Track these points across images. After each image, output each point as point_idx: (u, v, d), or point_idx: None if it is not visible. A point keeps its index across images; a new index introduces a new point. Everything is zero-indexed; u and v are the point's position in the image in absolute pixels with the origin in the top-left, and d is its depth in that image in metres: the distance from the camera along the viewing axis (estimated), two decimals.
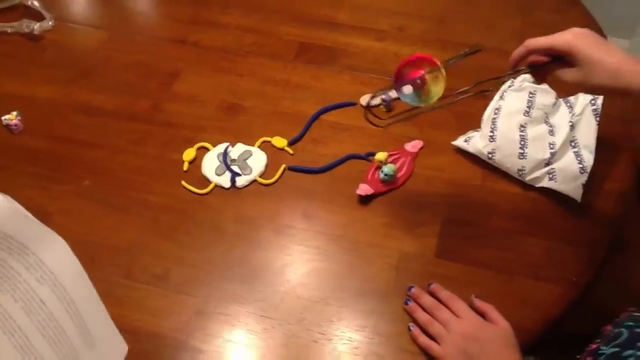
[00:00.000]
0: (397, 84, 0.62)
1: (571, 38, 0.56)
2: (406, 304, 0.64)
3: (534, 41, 0.58)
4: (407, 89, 0.61)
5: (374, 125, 0.66)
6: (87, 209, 0.74)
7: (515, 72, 0.61)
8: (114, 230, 0.71)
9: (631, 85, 0.54)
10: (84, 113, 0.85)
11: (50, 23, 0.95)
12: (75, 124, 0.83)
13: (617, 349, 0.52)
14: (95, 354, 0.50)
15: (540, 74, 0.60)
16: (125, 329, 0.62)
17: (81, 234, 0.71)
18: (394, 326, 0.63)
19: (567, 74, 0.56)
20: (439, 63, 0.60)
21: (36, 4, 0.95)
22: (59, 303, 0.44)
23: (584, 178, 0.71)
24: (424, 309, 0.63)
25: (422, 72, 0.60)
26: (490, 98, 0.78)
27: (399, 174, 0.75)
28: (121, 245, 0.70)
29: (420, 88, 0.61)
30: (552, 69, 0.58)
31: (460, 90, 0.63)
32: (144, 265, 0.68)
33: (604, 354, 0.54)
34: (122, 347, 0.56)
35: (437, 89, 0.61)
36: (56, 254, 0.45)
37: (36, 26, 0.94)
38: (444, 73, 0.60)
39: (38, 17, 0.96)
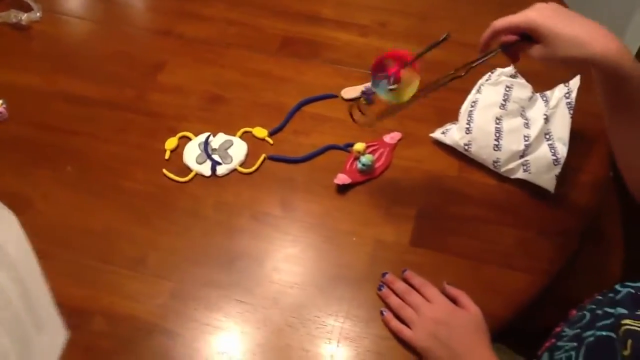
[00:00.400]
0: (374, 80, 0.63)
1: (534, 14, 0.56)
2: (380, 289, 0.65)
3: (500, 21, 0.59)
4: (383, 86, 0.63)
5: (354, 121, 0.68)
6: (68, 194, 0.75)
7: (486, 55, 0.62)
8: (93, 215, 0.72)
9: (595, 55, 0.54)
10: (69, 102, 0.86)
11: (38, 14, 0.96)
12: (60, 112, 0.84)
13: (578, 330, 0.53)
14: (42, 339, 0.51)
15: (512, 53, 0.60)
16: (100, 312, 0.63)
17: (61, 218, 0.72)
18: (367, 311, 0.64)
19: (535, 50, 0.57)
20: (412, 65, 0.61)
21: None
22: (12, 284, 0.45)
23: (557, 169, 0.72)
24: (397, 295, 0.64)
25: (397, 69, 0.62)
26: (468, 92, 0.80)
27: (377, 164, 0.76)
28: (99, 229, 0.71)
29: (396, 83, 0.62)
30: (521, 47, 0.59)
31: (437, 80, 0.64)
32: (121, 249, 0.69)
33: (566, 335, 0.55)
34: (63, 334, 0.56)
35: (411, 87, 0.62)
36: (8, 232, 0.46)
37: (24, 17, 0.95)
38: (418, 77, 0.61)
39: (26, 8, 0.97)
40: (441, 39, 0.62)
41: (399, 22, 0.97)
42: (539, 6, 0.57)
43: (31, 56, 0.93)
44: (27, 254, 0.49)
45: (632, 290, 0.55)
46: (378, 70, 0.63)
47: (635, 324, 0.49)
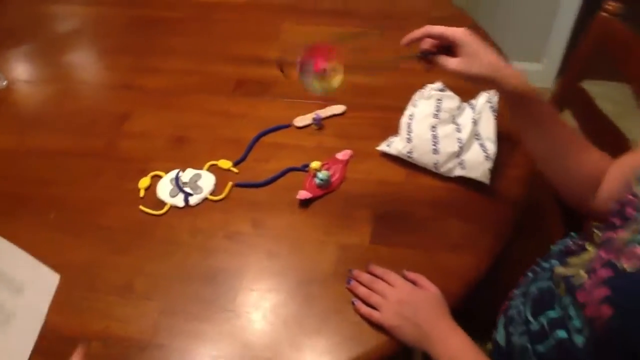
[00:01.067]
0: (301, 73, 0.72)
1: (462, 32, 0.67)
2: (348, 283, 0.73)
3: (434, 27, 0.68)
4: (309, 79, 0.71)
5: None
6: (53, 236, 0.81)
7: (408, 57, 0.71)
8: (77, 251, 0.79)
9: (503, 80, 0.65)
10: (42, 156, 0.93)
11: (4, 83, 1.03)
12: (35, 166, 0.91)
13: (524, 289, 0.63)
14: (25, 296, 0.57)
15: (428, 60, 0.70)
16: (95, 337, 0.69)
17: (48, 257, 0.77)
18: (339, 304, 0.71)
19: (451, 63, 0.67)
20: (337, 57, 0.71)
21: None
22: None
23: (489, 164, 0.83)
24: (364, 285, 0.72)
25: (325, 64, 0.71)
26: (404, 108, 0.90)
27: (333, 179, 0.85)
28: (85, 263, 0.77)
29: (319, 74, 0.71)
30: (438, 57, 0.69)
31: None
32: (107, 278, 0.75)
33: (516, 295, 0.64)
34: (53, 277, 0.62)
35: (337, 80, 0.71)
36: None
37: None
38: (342, 67, 0.70)
39: None
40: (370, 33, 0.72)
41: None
42: (465, 29, 0.68)
43: (1, 119, 1.00)
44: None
45: (561, 247, 0.65)
46: (304, 66, 0.72)
47: (565, 270, 0.59)
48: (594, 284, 0.51)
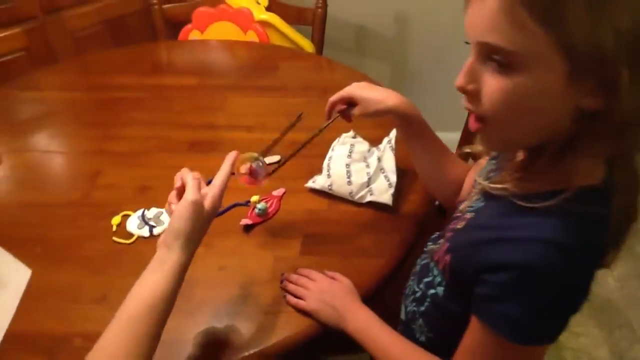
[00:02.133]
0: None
1: (351, 89, 0.92)
2: (281, 282, 0.92)
3: (333, 97, 0.94)
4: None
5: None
6: (37, 266, 0.98)
7: (331, 121, 0.96)
8: (59, 276, 0.96)
9: (393, 109, 0.90)
10: (28, 207, 1.11)
11: None
12: (21, 216, 1.09)
13: (414, 269, 0.84)
14: (8, 291, 0.74)
15: (346, 116, 0.95)
16: (77, 335, 0.86)
17: (34, 280, 0.94)
18: (275, 299, 0.90)
19: (356, 110, 0.92)
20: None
21: None
22: None
23: (392, 190, 1.05)
24: (292, 283, 0.92)
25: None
26: (325, 153, 1.14)
27: (270, 210, 1.06)
28: (66, 285, 0.94)
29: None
30: (349, 110, 0.94)
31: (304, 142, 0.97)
32: (86, 292, 0.92)
33: (411, 277, 0.85)
34: (26, 272, 0.78)
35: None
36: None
37: None
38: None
39: None
40: (297, 120, 0.96)
41: (274, 120, 1.31)
42: (355, 83, 0.93)
43: None
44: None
45: (437, 233, 0.87)
46: None
47: (434, 246, 0.80)
48: (443, 244, 0.73)
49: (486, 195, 0.71)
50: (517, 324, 0.61)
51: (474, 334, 0.67)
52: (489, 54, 0.58)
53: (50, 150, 1.28)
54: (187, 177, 0.82)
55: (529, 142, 0.63)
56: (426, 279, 0.80)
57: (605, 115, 0.56)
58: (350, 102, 0.93)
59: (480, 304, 0.65)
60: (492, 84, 0.58)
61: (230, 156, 0.87)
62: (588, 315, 1.88)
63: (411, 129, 0.93)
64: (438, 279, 0.76)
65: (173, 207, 0.78)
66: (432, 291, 0.78)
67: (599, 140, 0.58)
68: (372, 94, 0.91)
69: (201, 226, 0.79)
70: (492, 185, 0.66)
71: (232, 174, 0.87)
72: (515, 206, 0.62)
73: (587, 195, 0.60)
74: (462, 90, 0.62)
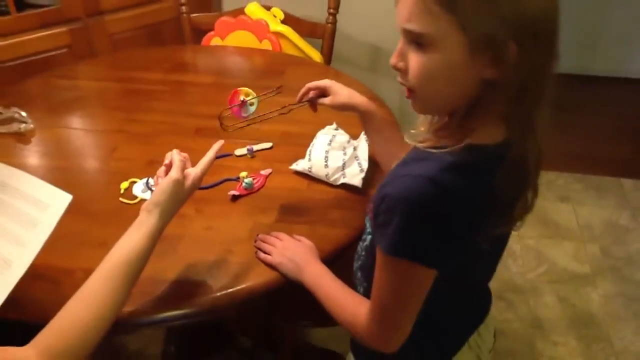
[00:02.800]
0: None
1: (327, 81, 1.09)
2: (255, 241, 1.08)
3: (312, 83, 1.10)
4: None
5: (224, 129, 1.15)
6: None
7: (300, 105, 1.12)
8: (73, 224, 1.13)
9: (358, 105, 1.06)
10: (56, 171, 1.30)
11: (31, 125, 1.43)
12: (45, 177, 1.28)
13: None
14: (50, 211, 0.92)
15: (313, 105, 1.11)
16: (79, 269, 1.02)
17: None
18: (250, 255, 1.06)
19: (325, 100, 1.08)
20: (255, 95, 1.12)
21: (23, 114, 1.43)
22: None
23: (363, 175, 1.20)
24: (263, 242, 1.07)
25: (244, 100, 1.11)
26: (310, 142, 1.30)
27: (256, 185, 1.22)
28: (78, 230, 1.12)
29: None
30: (319, 100, 1.10)
31: (274, 110, 1.13)
32: (93, 239, 1.10)
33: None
34: (67, 197, 0.96)
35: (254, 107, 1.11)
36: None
37: (22, 127, 1.41)
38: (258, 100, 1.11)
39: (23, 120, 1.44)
40: (276, 89, 1.13)
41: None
42: (329, 79, 1.10)
43: (33, 148, 1.38)
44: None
45: None
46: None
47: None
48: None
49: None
50: (389, 239, 0.75)
51: (377, 261, 0.81)
52: (410, 38, 0.73)
53: (77, 127, 1.48)
54: (176, 157, 1.00)
55: (446, 107, 0.77)
56: (363, 236, 0.95)
57: (501, 83, 0.70)
58: (323, 93, 1.10)
59: (376, 232, 0.80)
60: (414, 61, 0.74)
61: (217, 144, 1.06)
62: (569, 327, 1.97)
63: (371, 125, 1.10)
64: (368, 230, 0.90)
65: (159, 180, 0.96)
66: (365, 243, 0.92)
67: (496, 105, 0.72)
68: (343, 90, 1.09)
69: (179, 200, 0.95)
70: (413, 143, 0.81)
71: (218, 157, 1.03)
72: (418, 157, 0.77)
73: (478, 151, 0.74)
74: (395, 67, 0.77)
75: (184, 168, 0.98)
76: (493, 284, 0.94)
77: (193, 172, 0.99)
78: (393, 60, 0.77)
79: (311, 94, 1.11)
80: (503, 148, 0.75)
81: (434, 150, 0.76)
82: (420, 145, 0.79)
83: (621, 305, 2.05)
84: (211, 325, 1.73)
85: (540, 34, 0.69)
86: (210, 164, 1.03)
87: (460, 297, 0.91)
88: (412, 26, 0.72)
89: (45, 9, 1.96)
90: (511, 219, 0.81)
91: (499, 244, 0.91)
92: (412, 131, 0.85)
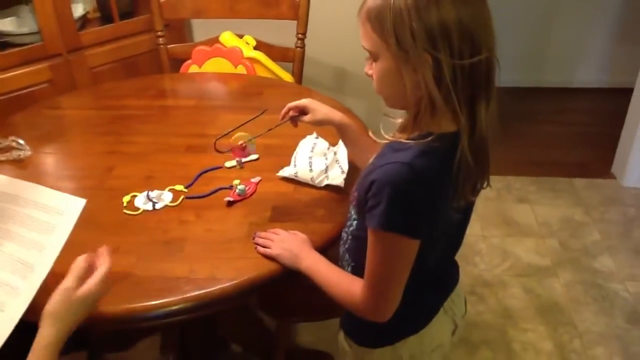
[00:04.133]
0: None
1: (306, 101, 1.24)
2: (253, 238, 1.20)
3: (292, 103, 1.25)
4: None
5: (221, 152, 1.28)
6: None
7: (283, 122, 1.26)
8: (84, 234, 1.24)
9: (335, 120, 1.21)
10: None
11: (28, 153, 1.53)
12: None
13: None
14: (65, 216, 1.03)
15: (294, 121, 1.26)
16: None
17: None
18: (249, 249, 1.18)
19: (306, 118, 1.23)
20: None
21: (21, 142, 1.53)
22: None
23: (344, 176, 1.34)
24: (262, 237, 1.20)
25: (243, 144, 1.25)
26: (293, 150, 1.44)
27: (248, 191, 1.35)
28: (89, 239, 1.22)
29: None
30: (299, 117, 1.24)
31: (261, 133, 1.27)
32: (110, 246, 1.21)
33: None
34: (81, 201, 1.06)
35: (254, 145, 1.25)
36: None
37: (21, 154, 1.51)
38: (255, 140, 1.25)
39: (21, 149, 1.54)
40: (261, 112, 1.27)
41: (254, 131, 1.62)
42: (308, 99, 1.24)
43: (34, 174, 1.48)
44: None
45: None
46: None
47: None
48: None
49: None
50: (379, 217, 0.89)
51: (368, 241, 0.95)
52: (368, 53, 0.93)
53: (73, 152, 1.58)
54: (76, 265, 0.99)
55: (400, 103, 0.94)
56: (348, 223, 1.09)
57: (428, 85, 0.86)
58: (303, 111, 1.24)
59: (367, 215, 0.94)
60: (372, 70, 0.94)
61: (106, 251, 1.05)
62: (536, 314, 2.13)
63: (347, 136, 1.26)
64: (353, 216, 1.04)
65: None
66: (351, 228, 1.06)
67: (435, 101, 0.87)
68: (321, 107, 1.24)
69: (72, 308, 0.94)
70: (386, 137, 0.96)
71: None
72: (393, 148, 0.92)
73: (439, 139, 0.90)
74: (367, 74, 0.95)
75: (80, 275, 0.98)
76: (464, 281, 1.09)
77: (89, 281, 0.99)
78: (365, 69, 0.97)
79: (291, 112, 1.26)
80: (457, 135, 0.90)
81: (407, 142, 0.91)
82: (394, 139, 0.95)
83: (581, 291, 2.22)
84: (204, 333, 1.83)
85: (454, 40, 0.85)
86: (108, 272, 1.01)
87: (435, 266, 1.05)
88: (364, 44, 0.93)
89: (28, 46, 2.07)
90: (469, 193, 0.96)
91: (463, 218, 1.06)
92: (390, 118, 1.01)
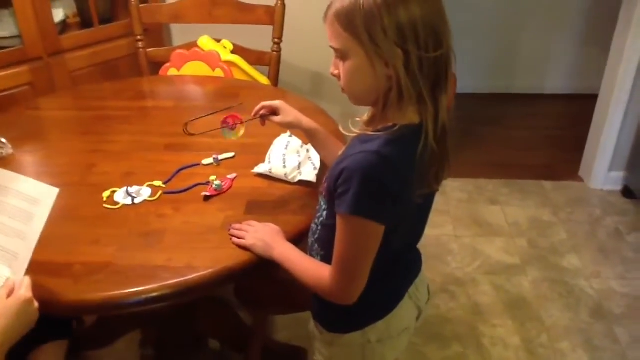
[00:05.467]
0: (222, 127, 1.32)
1: (279, 102, 1.30)
2: (229, 230, 1.26)
3: (265, 102, 1.31)
4: (226, 131, 1.32)
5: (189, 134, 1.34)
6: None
7: (252, 119, 1.32)
8: (66, 227, 1.29)
9: (301, 123, 1.28)
10: None
11: (10, 151, 1.57)
12: None
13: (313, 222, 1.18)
14: (42, 205, 1.08)
15: (262, 120, 1.32)
16: (77, 263, 1.17)
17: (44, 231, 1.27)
18: (224, 240, 1.24)
19: (275, 119, 1.30)
20: (243, 120, 1.31)
21: (3, 140, 1.56)
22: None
23: (316, 172, 1.41)
24: (236, 229, 1.25)
25: (233, 122, 1.31)
26: (268, 148, 1.50)
27: (224, 186, 1.41)
28: (71, 232, 1.27)
29: (232, 129, 1.32)
30: (270, 117, 1.31)
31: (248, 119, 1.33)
32: (84, 238, 1.25)
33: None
34: (54, 191, 1.11)
35: (241, 132, 1.31)
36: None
37: (2, 152, 1.55)
38: (243, 126, 1.31)
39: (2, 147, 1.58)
40: (237, 104, 1.33)
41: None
42: (280, 101, 1.31)
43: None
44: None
45: None
46: (224, 123, 1.32)
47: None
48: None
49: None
50: (348, 202, 0.95)
51: (337, 226, 1.01)
52: (335, 52, 0.99)
53: (54, 150, 1.63)
54: None
55: (368, 99, 1.01)
56: (317, 214, 1.15)
57: (399, 78, 0.93)
58: (274, 112, 1.31)
59: (336, 202, 1.00)
60: (340, 69, 1.00)
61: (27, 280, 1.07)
62: (504, 311, 2.21)
63: (316, 140, 1.33)
64: (323, 207, 1.10)
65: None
66: (321, 219, 1.12)
67: (402, 94, 0.94)
68: (292, 111, 1.31)
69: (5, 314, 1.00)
70: (353, 130, 1.03)
71: None
72: (361, 140, 0.99)
73: (404, 129, 0.97)
74: (333, 75, 1.02)
75: (9, 286, 1.05)
76: (437, 279, 1.15)
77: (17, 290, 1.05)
78: (331, 69, 1.04)
79: (263, 111, 1.32)
80: (421, 127, 0.98)
81: (374, 133, 0.98)
82: (361, 132, 1.02)
83: (548, 288, 2.31)
84: (182, 329, 1.87)
85: (421, 36, 0.92)
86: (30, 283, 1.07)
87: (400, 252, 1.12)
88: (332, 44, 0.99)
89: (8, 50, 2.10)
90: (433, 181, 1.03)
91: (426, 206, 1.12)
92: (357, 119, 1.07)
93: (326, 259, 1.09)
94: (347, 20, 0.95)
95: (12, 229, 1.10)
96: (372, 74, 0.96)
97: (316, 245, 1.16)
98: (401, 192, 0.97)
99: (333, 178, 1.00)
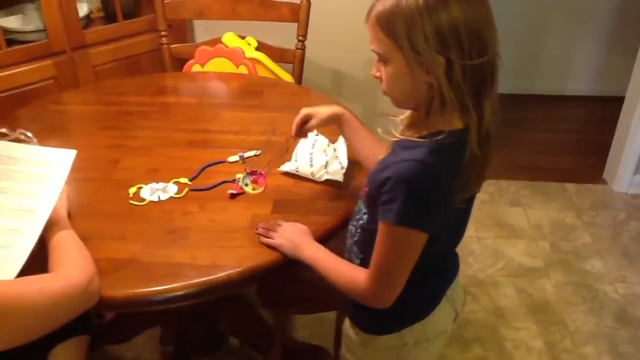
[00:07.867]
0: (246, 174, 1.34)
1: (305, 110, 1.30)
2: (256, 229, 1.24)
3: (296, 118, 1.31)
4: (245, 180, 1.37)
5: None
6: (79, 217, 1.30)
7: (294, 140, 1.35)
8: (94, 222, 1.28)
9: (338, 114, 1.27)
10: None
11: (35, 141, 1.56)
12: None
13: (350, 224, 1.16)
14: (58, 166, 1.11)
15: (303, 134, 1.33)
16: (102, 258, 1.16)
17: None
18: (252, 239, 1.22)
19: (312, 123, 1.30)
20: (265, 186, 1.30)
21: (29, 134, 1.56)
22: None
23: (343, 171, 1.39)
24: (264, 228, 1.24)
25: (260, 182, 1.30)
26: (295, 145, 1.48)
27: (259, 182, 1.40)
28: (98, 227, 1.26)
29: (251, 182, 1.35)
30: (305, 131, 1.31)
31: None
32: (110, 233, 1.25)
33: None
34: (71, 153, 1.14)
35: (255, 190, 1.32)
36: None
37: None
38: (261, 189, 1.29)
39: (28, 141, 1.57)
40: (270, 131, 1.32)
41: (255, 128, 1.66)
42: (305, 108, 1.30)
43: None
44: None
45: None
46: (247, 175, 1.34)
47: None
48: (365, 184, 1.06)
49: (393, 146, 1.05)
50: (396, 211, 0.94)
51: (378, 233, 0.99)
52: (377, 55, 0.97)
53: (77, 144, 1.60)
54: None
55: (409, 103, 1.00)
56: (357, 217, 1.13)
57: (440, 85, 0.91)
58: (306, 121, 1.30)
59: (379, 209, 0.98)
60: (381, 72, 0.99)
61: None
62: (527, 314, 2.18)
63: (349, 129, 1.31)
64: (363, 210, 1.09)
65: None
66: (360, 222, 1.10)
67: (445, 100, 0.92)
68: (320, 109, 1.31)
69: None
70: (396, 135, 1.01)
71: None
72: (403, 146, 0.97)
73: (448, 136, 0.94)
74: (374, 77, 1.00)
75: None
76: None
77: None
78: (373, 71, 1.02)
79: (299, 126, 1.32)
80: (465, 132, 0.95)
81: (417, 140, 0.96)
82: (402, 137, 1.00)
83: (571, 292, 2.27)
84: (204, 327, 1.87)
85: (464, 41, 0.90)
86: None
87: (440, 257, 1.10)
88: (373, 47, 0.98)
89: (33, 44, 2.11)
90: (474, 185, 1.01)
91: (467, 209, 1.10)
92: (399, 119, 1.06)
93: (365, 262, 1.07)
94: (388, 26, 0.92)
95: (25, 190, 1.12)
96: (412, 81, 0.94)
97: (355, 248, 1.14)
98: (445, 201, 0.96)
99: (376, 184, 0.99)
